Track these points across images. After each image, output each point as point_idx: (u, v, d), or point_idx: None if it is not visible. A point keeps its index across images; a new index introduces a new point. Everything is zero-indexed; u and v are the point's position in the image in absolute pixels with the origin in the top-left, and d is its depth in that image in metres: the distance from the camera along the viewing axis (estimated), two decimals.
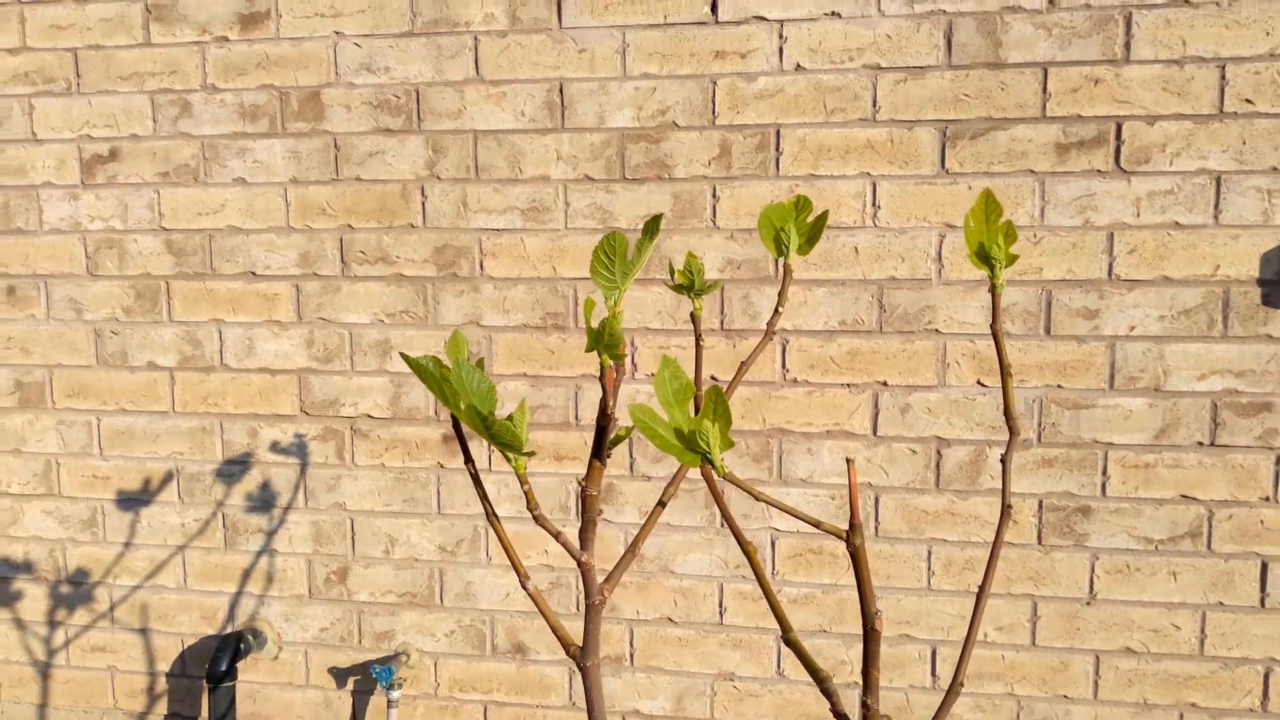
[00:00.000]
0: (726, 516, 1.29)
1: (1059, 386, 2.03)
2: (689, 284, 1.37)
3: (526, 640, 2.31)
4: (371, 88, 2.22)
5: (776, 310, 1.12)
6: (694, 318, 1.37)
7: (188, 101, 2.32)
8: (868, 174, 2.04)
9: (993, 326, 1.03)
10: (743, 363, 1.12)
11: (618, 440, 0.96)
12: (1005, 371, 1.04)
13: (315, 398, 2.34)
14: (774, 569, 2.17)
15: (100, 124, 2.37)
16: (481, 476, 2.28)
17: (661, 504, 1.01)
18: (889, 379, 2.08)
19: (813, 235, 1.15)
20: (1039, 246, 2.00)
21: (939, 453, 2.08)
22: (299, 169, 2.28)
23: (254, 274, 2.34)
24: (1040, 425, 2.04)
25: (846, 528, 0.88)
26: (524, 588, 0.93)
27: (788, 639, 1.06)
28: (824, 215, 1.14)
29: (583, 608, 2.27)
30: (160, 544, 2.48)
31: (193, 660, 2.51)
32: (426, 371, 0.84)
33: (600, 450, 0.92)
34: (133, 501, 2.48)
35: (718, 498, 1.30)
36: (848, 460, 0.87)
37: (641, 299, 2.16)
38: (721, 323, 2.13)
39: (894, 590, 2.13)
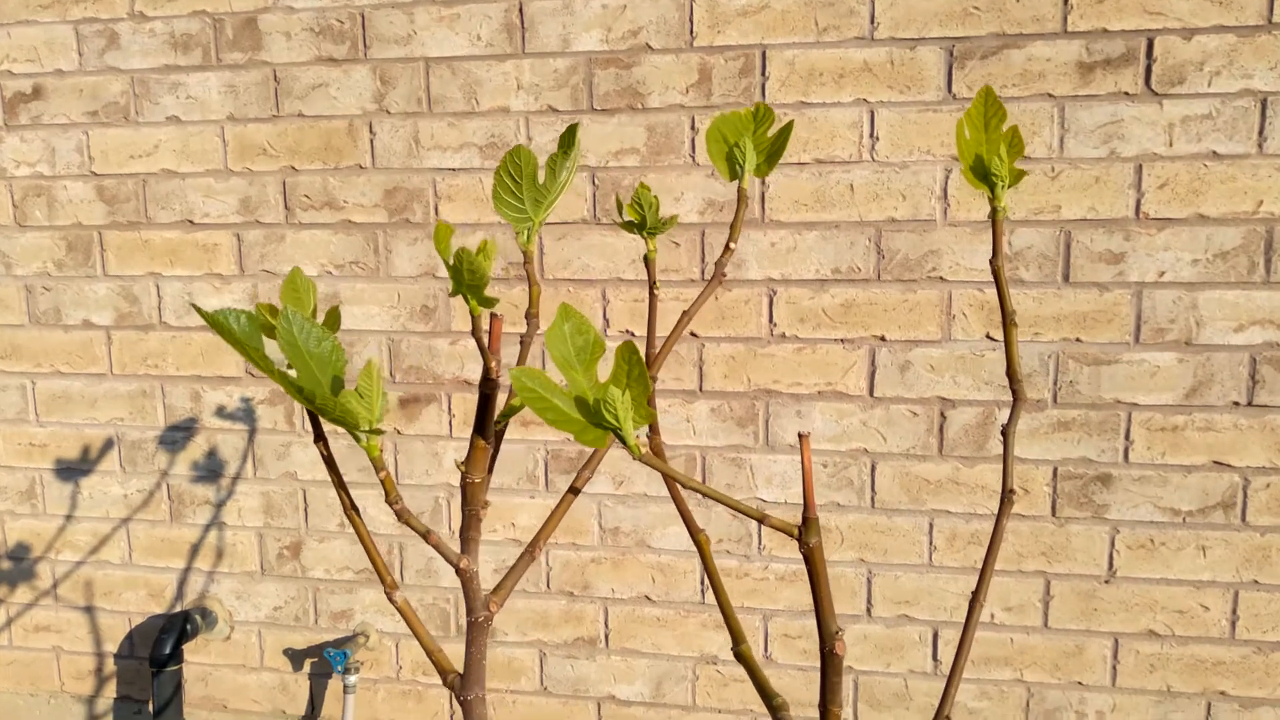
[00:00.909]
0: (677, 501, 1.09)
1: (1078, 340, 1.81)
2: (640, 220, 1.16)
3: (493, 621, 2.12)
4: (313, 12, 2.00)
5: (727, 246, 0.90)
6: (648, 262, 1.16)
7: (115, 32, 2.10)
8: (865, 100, 1.81)
9: (993, 262, 0.81)
10: (684, 313, 0.91)
11: (511, 411, 0.76)
12: (1008, 320, 0.83)
13: None
14: (760, 543, 1.97)
15: (21, 58, 2.16)
16: (441, 442, 2.08)
17: (574, 490, 0.81)
18: (887, 333, 1.86)
19: (774, 151, 0.93)
20: (1057, 181, 1.77)
21: (942, 415, 1.86)
22: (236, 105, 2.07)
23: (191, 222, 2.13)
24: (1056, 384, 1.82)
25: (799, 523, 0.68)
26: (390, 600, 0.74)
27: (738, 651, 0.86)
28: (788, 127, 0.92)
29: (552, 585, 2.08)
30: (103, 516, 2.30)
31: (141, 640, 2.34)
32: (226, 329, 0.64)
33: (483, 425, 0.71)
34: (72, 471, 2.30)
35: (670, 486, 1.10)
36: (800, 436, 0.66)
37: (614, 246, 1.94)
38: (702, 272, 1.91)
39: (892, 567, 1.92)
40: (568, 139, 0.87)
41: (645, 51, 1.87)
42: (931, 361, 1.85)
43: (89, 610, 2.35)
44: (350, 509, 0.75)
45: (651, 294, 1.16)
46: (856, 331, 1.87)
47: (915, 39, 1.78)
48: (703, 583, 2.01)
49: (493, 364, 0.70)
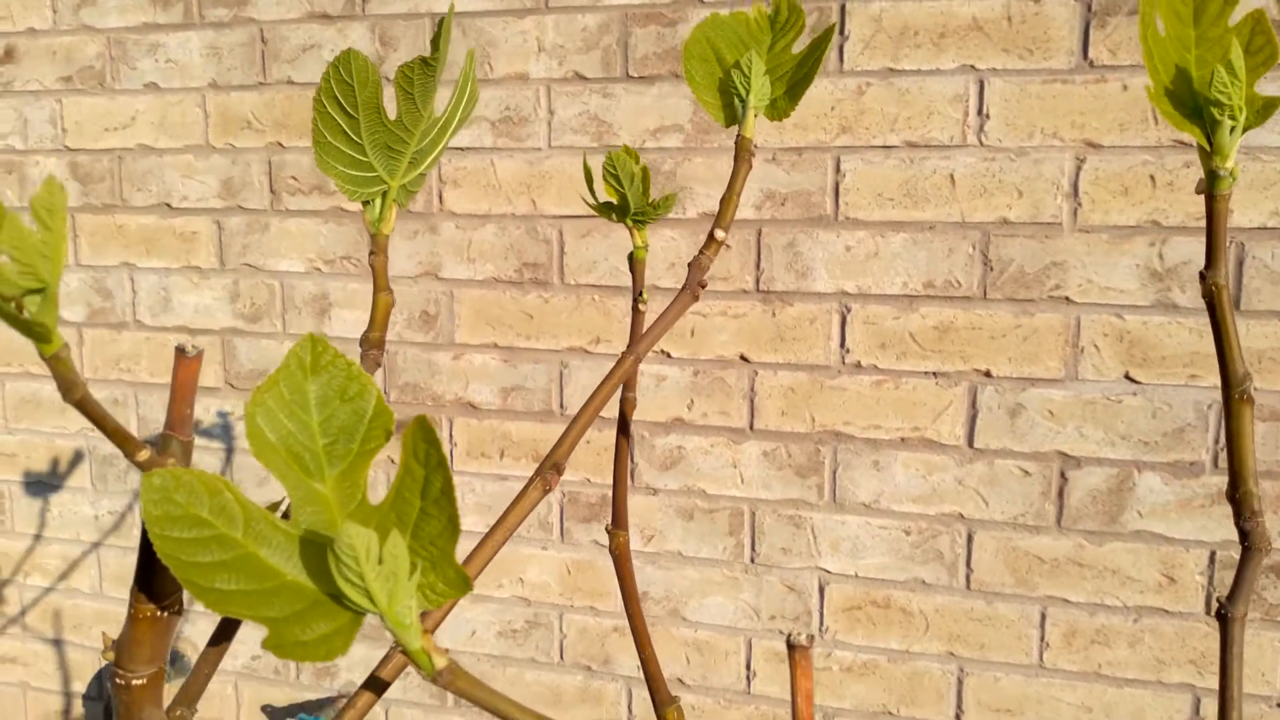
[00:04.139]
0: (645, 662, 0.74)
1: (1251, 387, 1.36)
2: (619, 200, 0.78)
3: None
4: None
5: (711, 236, 0.53)
6: (633, 263, 0.79)
7: None
8: (972, 67, 1.40)
9: (1206, 279, 0.43)
10: (651, 327, 0.54)
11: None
12: (1232, 385, 0.44)
13: (242, 366, 1.83)
14: (823, 624, 1.57)
15: None
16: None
17: (376, 685, 0.44)
18: (994, 367, 1.45)
19: (800, 77, 0.54)
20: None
21: (1063, 476, 1.44)
22: (219, 69, 1.76)
23: (169, 205, 1.83)
24: (1218, 443, 1.38)
25: None
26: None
27: None
28: (826, 35, 0.53)
29: (566, 657, 1.71)
30: (73, 538, 2.02)
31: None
32: None
33: (149, 570, 0.35)
34: (42, 486, 2.03)
35: (625, 579, 0.75)
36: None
37: (649, 245, 1.57)
38: (757, 281, 1.53)
39: (990, 665, 1.50)
40: (439, 35, 0.51)
41: (694, 5, 1.50)
42: (1051, 406, 1.43)
43: (58, 643, 2.08)
44: None
45: (635, 309, 0.79)
46: (954, 363, 1.46)
47: None
48: (749, 667, 1.62)
49: (141, 454, 0.34)
